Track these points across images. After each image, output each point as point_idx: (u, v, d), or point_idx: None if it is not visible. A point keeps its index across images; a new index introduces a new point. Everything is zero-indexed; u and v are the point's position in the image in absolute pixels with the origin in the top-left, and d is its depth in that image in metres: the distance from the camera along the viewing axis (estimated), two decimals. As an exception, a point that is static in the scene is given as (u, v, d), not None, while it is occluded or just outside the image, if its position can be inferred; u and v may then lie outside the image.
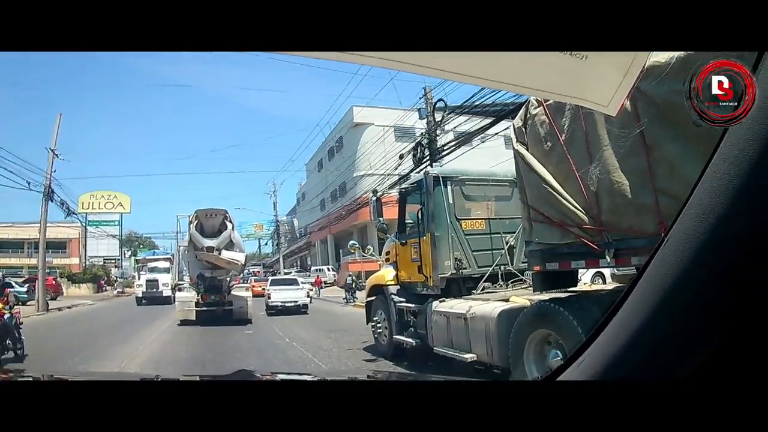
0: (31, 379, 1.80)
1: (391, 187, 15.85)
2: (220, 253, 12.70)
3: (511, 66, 0.94)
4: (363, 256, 19.10)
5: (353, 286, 20.86)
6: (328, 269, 34.44)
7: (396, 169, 18.23)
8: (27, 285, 25.69)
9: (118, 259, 46.20)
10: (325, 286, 29.35)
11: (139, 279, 27.09)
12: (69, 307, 23.54)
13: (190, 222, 13.33)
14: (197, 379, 2.33)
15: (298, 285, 18.36)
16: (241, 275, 17.57)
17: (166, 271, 26.97)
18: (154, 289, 24.78)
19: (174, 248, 25.10)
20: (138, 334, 11.93)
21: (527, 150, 4.48)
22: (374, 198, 8.19)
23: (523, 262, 6.12)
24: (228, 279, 14.77)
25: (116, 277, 41.47)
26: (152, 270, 26.95)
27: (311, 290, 21.50)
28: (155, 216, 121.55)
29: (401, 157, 17.46)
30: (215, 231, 13.00)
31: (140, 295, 24.84)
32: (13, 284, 23.93)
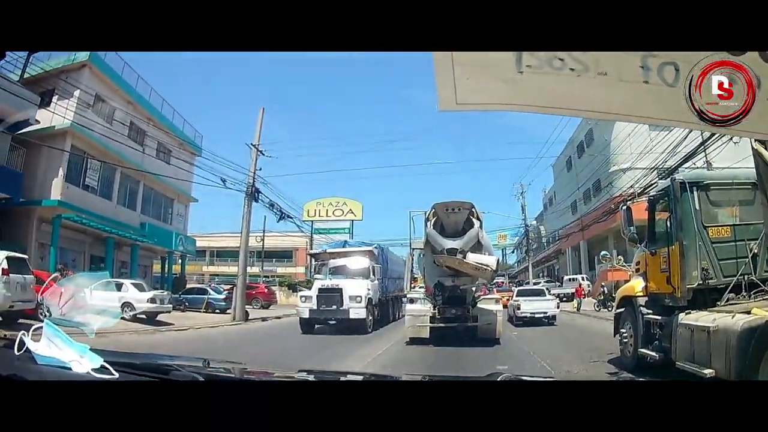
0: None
1: (639, 194, 13.95)
2: (464, 257, 10.43)
3: None
4: (613, 266, 17.90)
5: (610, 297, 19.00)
6: (583, 278, 31.71)
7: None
8: (225, 293, 23.08)
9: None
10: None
11: (310, 287, 16.19)
12: (278, 317, 21.36)
13: (427, 219, 11.17)
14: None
15: (545, 295, 18.47)
16: (489, 284, 14.00)
17: (362, 275, 15.61)
18: (334, 306, 14.25)
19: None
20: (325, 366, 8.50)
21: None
22: (624, 207, 8.22)
23: (766, 271, 5.55)
24: (473, 288, 12.14)
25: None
26: (334, 272, 15.91)
27: (561, 302, 20.66)
28: (389, 222, 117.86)
29: None
30: (458, 230, 10.73)
31: (306, 315, 14.63)
32: (210, 291, 23.78)
